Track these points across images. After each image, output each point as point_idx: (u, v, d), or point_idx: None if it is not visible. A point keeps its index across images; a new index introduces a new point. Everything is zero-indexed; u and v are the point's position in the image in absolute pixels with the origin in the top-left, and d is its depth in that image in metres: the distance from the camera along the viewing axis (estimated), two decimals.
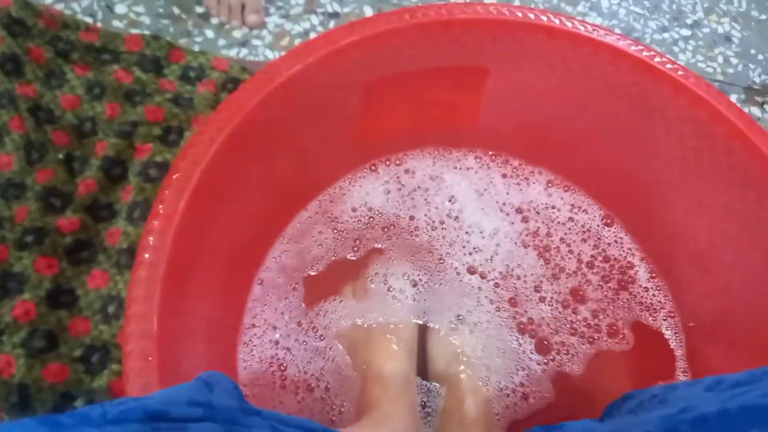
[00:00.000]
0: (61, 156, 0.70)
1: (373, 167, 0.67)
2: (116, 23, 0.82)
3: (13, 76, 0.72)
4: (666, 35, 0.90)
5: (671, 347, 0.61)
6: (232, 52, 0.82)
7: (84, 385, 0.59)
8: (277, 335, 0.58)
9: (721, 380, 0.32)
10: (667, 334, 0.62)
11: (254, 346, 0.57)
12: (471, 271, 0.63)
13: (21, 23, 0.75)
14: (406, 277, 0.61)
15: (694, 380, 0.35)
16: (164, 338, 0.40)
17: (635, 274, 0.64)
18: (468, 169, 0.69)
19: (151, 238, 0.42)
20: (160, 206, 0.43)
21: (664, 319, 0.62)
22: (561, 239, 0.65)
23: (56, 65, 0.75)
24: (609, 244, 0.65)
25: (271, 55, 0.82)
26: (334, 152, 0.61)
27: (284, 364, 0.57)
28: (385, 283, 0.60)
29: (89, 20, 0.81)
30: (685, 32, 0.91)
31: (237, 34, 0.83)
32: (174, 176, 0.44)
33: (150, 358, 0.39)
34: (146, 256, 0.41)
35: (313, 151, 0.58)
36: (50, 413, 0.57)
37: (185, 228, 0.44)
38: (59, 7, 0.82)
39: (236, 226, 0.54)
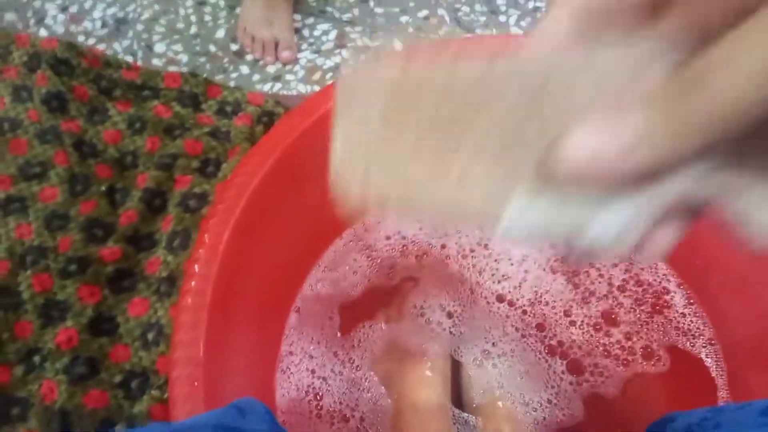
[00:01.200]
0: (103, 188, 0.72)
1: None
2: (155, 61, 0.86)
3: (59, 113, 0.76)
4: None
5: (710, 371, 0.60)
6: (266, 87, 0.84)
7: (124, 411, 0.60)
8: (314, 364, 0.58)
9: None
10: (708, 361, 0.61)
11: (291, 373, 0.58)
12: (500, 299, 0.63)
13: (66, 63, 0.79)
14: (442, 309, 0.62)
15: (744, 403, 0.34)
16: (209, 364, 0.41)
17: (671, 299, 0.63)
18: None
19: (197, 267, 0.44)
20: (206, 235, 0.45)
21: (704, 346, 0.61)
22: (590, 264, 0.65)
23: (99, 102, 0.78)
24: (642, 269, 0.65)
25: (304, 89, 0.84)
26: None
27: (320, 394, 0.57)
28: (423, 315, 0.61)
29: (130, 59, 0.85)
30: None
31: (271, 69, 0.86)
32: (219, 206, 0.46)
33: (196, 384, 0.40)
34: (193, 284, 0.43)
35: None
36: None
37: (229, 257, 0.46)
38: (101, 47, 0.86)
39: (275, 254, 0.55)
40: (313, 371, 0.59)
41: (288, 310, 0.60)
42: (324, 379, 0.59)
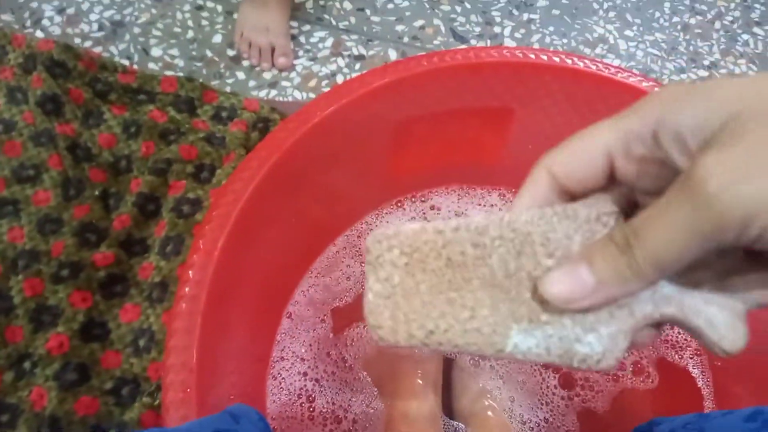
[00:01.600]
0: (97, 192, 0.72)
1: (399, 203, 0.69)
2: (152, 65, 0.86)
3: (53, 116, 0.75)
4: (684, 76, 0.92)
5: (698, 385, 0.61)
6: (262, 93, 0.85)
7: (114, 418, 0.59)
8: (306, 367, 0.58)
9: (761, 411, 0.32)
10: (694, 372, 0.61)
11: (282, 379, 0.57)
12: None
13: (62, 65, 0.79)
14: None
15: (730, 410, 0.34)
16: (202, 371, 0.41)
17: None
18: (492, 206, 0.70)
19: (191, 272, 0.44)
20: (201, 241, 0.45)
21: (691, 357, 0.62)
22: None
23: (94, 105, 0.78)
24: None
25: (300, 95, 0.85)
26: (362, 189, 0.63)
27: (313, 395, 0.57)
28: None
29: (126, 62, 0.85)
30: (703, 73, 0.93)
31: (267, 75, 0.86)
32: (214, 213, 0.46)
33: (189, 390, 0.39)
34: (187, 289, 0.43)
35: (342, 188, 0.60)
36: None
37: (223, 263, 0.45)
38: (98, 49, 0.86)
39: (269, 260, 0.55)
40: (305, 374, 0.58)
41: (280, 315, 0.60)
42: (317, 380, 0.58)
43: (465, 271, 0.24)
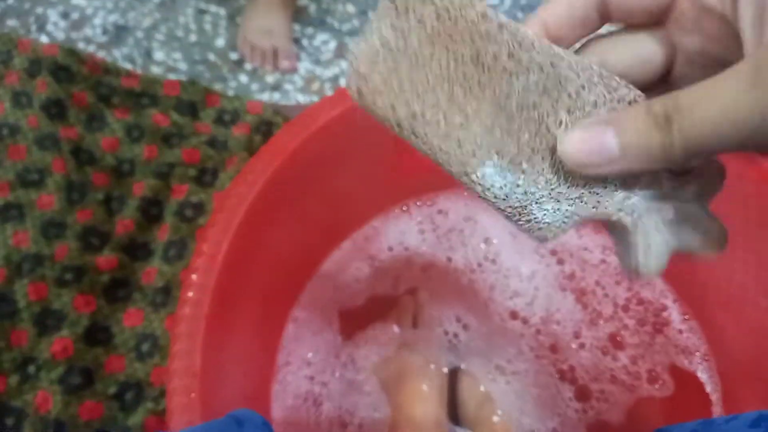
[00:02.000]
0: (100, 196, 0.72)
1: (405, 207, 0.68)
2: (155, 69, 0.86)
3: (57, 120, 0.76)
4: None
5: (707, 391, 0.60)
6: (265, 96, 0.85)
7: (118, 422, 0.59)
8: (312, 371, 0.58)
9: (766, 415, 0.32)
10: (703, 377, 0.61)
11: (288, 383, 0.57)
12: (513, 316, 0.63)
13: (66, 70, 0.79)
14: (458, 321, 0.62)
15: (734, 415, 0.34)
16: (206, 375, 0.41)
17: (669, 315, 0.63)
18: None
19: (194, 276, 0.43)
20: (204, 245, 0.45)
21: (699, 362, 0.61)
22: (596, 282, 0.65)
23: (98, 109, 0.78)
24: (642, 285, 0.65)
25: (302, 98, 0.85)
26: (368, 192, 0.62)
27: (319, 399, 0.57)
28: (440, 325, 0.61)
29: (129, 66, 0.85)
30: None
31: (270, 79, 0.86)
32: (218, 215, 0.46)
33: (193, 395, 0.39)
34: (190, 294, 0.43)
35: (347, 191, 0.60)
36: None
37: (227, 267, 0.45)
38: (102, 53, 0.86)
39: (274, 264, 0.55)
40: (311, 377, 0.58)
41: (286, 319, 0.60)
42: (324, 383, 0.58)
43: (485, 76, 0.21)
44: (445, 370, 0.59)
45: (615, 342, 0.63)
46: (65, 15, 0.90)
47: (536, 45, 0.21)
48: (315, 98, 0.84)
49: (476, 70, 0.21)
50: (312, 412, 0.56)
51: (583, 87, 0.21)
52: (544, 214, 0.22)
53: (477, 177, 0.22)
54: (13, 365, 0.61)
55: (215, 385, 0.44)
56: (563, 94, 0.21)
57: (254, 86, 0.86)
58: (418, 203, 0.69)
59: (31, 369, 0.61)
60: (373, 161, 0.59)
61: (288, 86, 0.86)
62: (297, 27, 0.91)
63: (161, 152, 0.76)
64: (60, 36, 0.88)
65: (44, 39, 0.87)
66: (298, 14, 0.91)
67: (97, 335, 0.64)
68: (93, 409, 0.59)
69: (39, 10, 0.90)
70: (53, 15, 0.90)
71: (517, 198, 0.22)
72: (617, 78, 0.21)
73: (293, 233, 0.58)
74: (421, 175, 0.66)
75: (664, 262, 0.22)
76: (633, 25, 0.22)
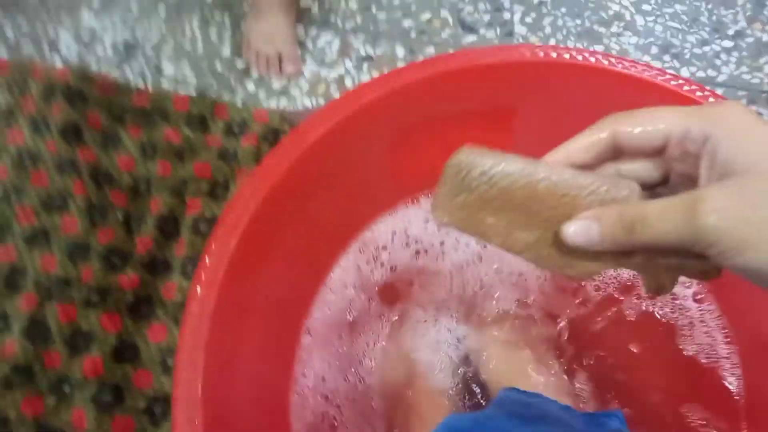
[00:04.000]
0: (120, 216, 0.75)
1: (406, 206, 0.68)
2: (165, 83, 0.87)
3: (74, 143, 0.78)
4: (707, 48, 0.88)
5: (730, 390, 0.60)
6: (273, 103, 0.85)
7: None
8: (328, 390, 0.60)
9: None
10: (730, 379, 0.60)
11: (306, 397, 0.59)
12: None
13: (79, 92, 0.81)
14: (449, 332, 0.63)
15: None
16: (211, 399, 0.43)
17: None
18: None
19: (194, 306, 0.45)
20: (207, 257, 0.46)
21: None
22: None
23: (112, 129, 0.80)
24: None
25: (309, 102, 0.85)
26: (366, 197, 0.63)
27: (335, 423, 0.58)
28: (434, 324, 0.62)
29: (140, 82, 0.87)
30: (727, 44, 0.89)
31: (276, 85, 0.87)
32: (219, 230, 0.47)
33: (196, 422, 0.41)
34: (190, 320, 0.44)
35: (347, 197, 0.60)
36: None
37: (229, 286, 0.47)
38: (113, 72, 0.88)
39: (280, 273, 0.56)
40: (326, 397, 0.60)
41: (299, 333, 0.61)
42: (339, 407, 0.60)
43: (520, 207, 0.30)
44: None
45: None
46: (77, 37, 0.92)
47: (560, 186, 0.29)
48: (321, 101, 0.85)
49: (524, 213, 0.31)
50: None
51: (591, 192, 0.29)
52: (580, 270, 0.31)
53: (527, 257, 0.32)
54: (48, 386, 0.64)
55: (225, 405, 0.46)
56: (567, 200, 0.29)
57: (261, 94, 0.87)
58: (414, 202, 0.69)
59: (66, 389, 0.64)
60: (368, 170, 0.60)
61: (294, 91, 0.87)
62: (301, 29, 0.91)
63: (174, 168, 0.78)
64: (73, 58, 0.90)
65: (58, 61, 0.90)
66: (301, 15, 0.91)
67: (125, 352, 0.67)
68: (125, 425, 0.62)
69: (52, 34, 0.93)
70: (65, 37, 0.92)
71: (553, 263, 0.31)
72: (620, 180, 0.29)
73: (298, 244, 0.59)
74: (420, 177, 0.66)
75: (673, 285, 0.32)
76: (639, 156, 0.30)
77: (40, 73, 0.83)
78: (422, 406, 0.57)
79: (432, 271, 0.66)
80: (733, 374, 0.61)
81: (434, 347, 0.61)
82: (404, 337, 0.62)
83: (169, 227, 0.74)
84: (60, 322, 0.67)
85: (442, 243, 0.67)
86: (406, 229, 0.68)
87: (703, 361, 0.61)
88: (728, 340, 0.62)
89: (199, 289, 0.46)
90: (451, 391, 0.59)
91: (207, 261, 0.47)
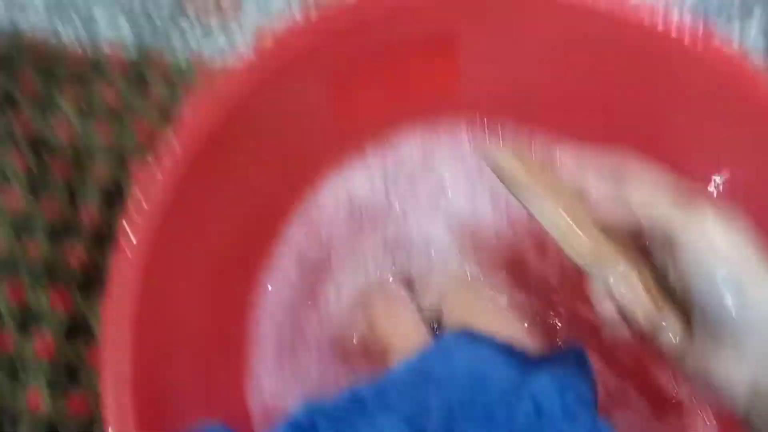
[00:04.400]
0: (62, 186, 0.70)
1: (361, 152, 0.63)
2: (100, 39, 0.81)
3: (10, 112, 0.74)
4: None
5: None
6: (213, 45, 0.79)
7: None
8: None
9: None
10: None
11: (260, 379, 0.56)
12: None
13: (9, 59, 0.76)
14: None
15: None
16: (145, 382, 0.40)
17: None
18: (462, 143, 0.64)
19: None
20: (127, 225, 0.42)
21: None
22: None
23: (48, 95, 0.75)
24: None
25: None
26: (307, 151, 0.58)
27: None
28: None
29: (75, 42, 0.81)
30: None
31: (215, 24, 0.80)
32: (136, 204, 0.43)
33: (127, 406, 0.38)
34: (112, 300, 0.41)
35: (283, 157, 0.56)
36: None
37: (156, 257, 0.43)
38: (46, 33, 0.82)
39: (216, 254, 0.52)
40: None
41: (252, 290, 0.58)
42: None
43: None
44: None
45: None
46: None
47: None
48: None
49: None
50: None
51: None
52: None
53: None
54: (1, 368, 0.62)
55: (163, 389, 0.43)
56: None
57: (201, 37, 0.80)
58: (374, 147, 0.64)
59: (19, 371, 0.62)
60: (309, 116, 0.55)
61: (234, 26, 0.80)
62: None
63: (115, 132, 0.73)
64: (4, 22, 0.84)
65: None
66: None
67: (77, 331, 0.64)
68: (81, 404, 0.60)
69: None
70: None
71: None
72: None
73: (237, 211, 0.55)
74: (368, 119, 0.61)
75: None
76: None
77: None
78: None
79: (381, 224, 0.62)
80: None
81: None
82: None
83: (114, 196, 0.70)
84: (9, 302, 0.64)
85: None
86: (353, 186, 0.63)
87: None
88: None
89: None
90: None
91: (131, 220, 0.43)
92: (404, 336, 0.52)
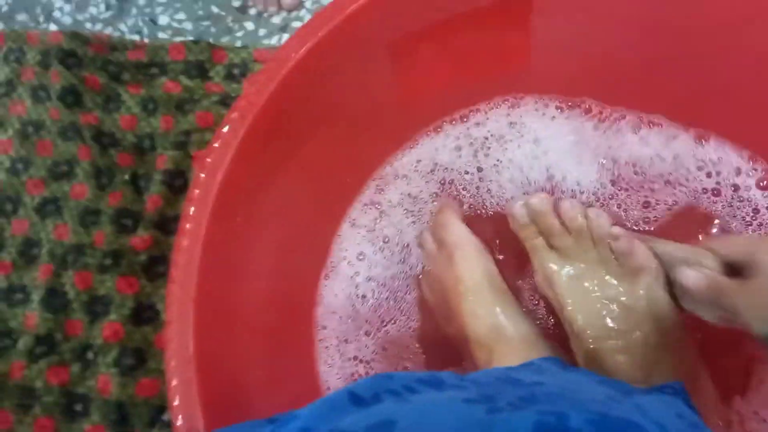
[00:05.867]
0: (126, 177, 0.71)
1: (437, 128, 0.62)
2: (162, 35, 0.83)
3: (75, 107, 0.75)
4: None
5: None
6: (274, 40, 0.79)
7: None
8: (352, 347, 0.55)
9: None
10: None
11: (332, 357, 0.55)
12: None
13: (73, 55, 0.78)
14: None
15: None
16: (208, 357, 0.39)
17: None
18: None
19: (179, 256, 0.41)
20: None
21: None
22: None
23: (111, 89, 0.77)
24: None
25: None
26: (370, 133, 0.57)
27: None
28: None
29: (137, 37, 0.82)
30: None
31: (276, 20, 0.81)
32: (200, 177, 0.43)
33: (192, 385, 0.37)
34: (176, 275, 0.40)
35: (347, 135, 0.55)
36: (147, 427, 0.59)
37: (216, 239, 0.43)
38: (108, 30, 0.84)
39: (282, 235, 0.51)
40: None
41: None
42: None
43: None
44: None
45: None
46: None
47: None
48: None
49: None
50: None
51: None
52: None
53: None
54: (72, 355, 0.63)
55: (227, 366, 0.42)
56: None
57: (262, 32, 0.80)
58: (452, 122, 0.62)
59: (90, 355, 0.63)
60: (369, 94, 0.53)
61: (296, 24, 0.80)
62: None
63: (177, 121, 0.74)
64: (67, 21, 0.87)
65: (53, 27, 0.86)
66: None
67: (144, 314, 0.64)
68: (149, 386, 0.61)
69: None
70: (58, 1, 0.88)
71: None
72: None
73: (304, 186, 0.54)
74: (429, 99, 0.59)
75: None
76: None
77: (35, 40, 0.80)
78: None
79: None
80: None
81: None
82: None
83: (176, 182, 0.70)
84: (77, 289, 0.66)
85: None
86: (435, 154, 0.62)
87: None
88: None
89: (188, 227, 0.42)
90: None
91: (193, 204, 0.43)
92: (503, 336, 0.49)
